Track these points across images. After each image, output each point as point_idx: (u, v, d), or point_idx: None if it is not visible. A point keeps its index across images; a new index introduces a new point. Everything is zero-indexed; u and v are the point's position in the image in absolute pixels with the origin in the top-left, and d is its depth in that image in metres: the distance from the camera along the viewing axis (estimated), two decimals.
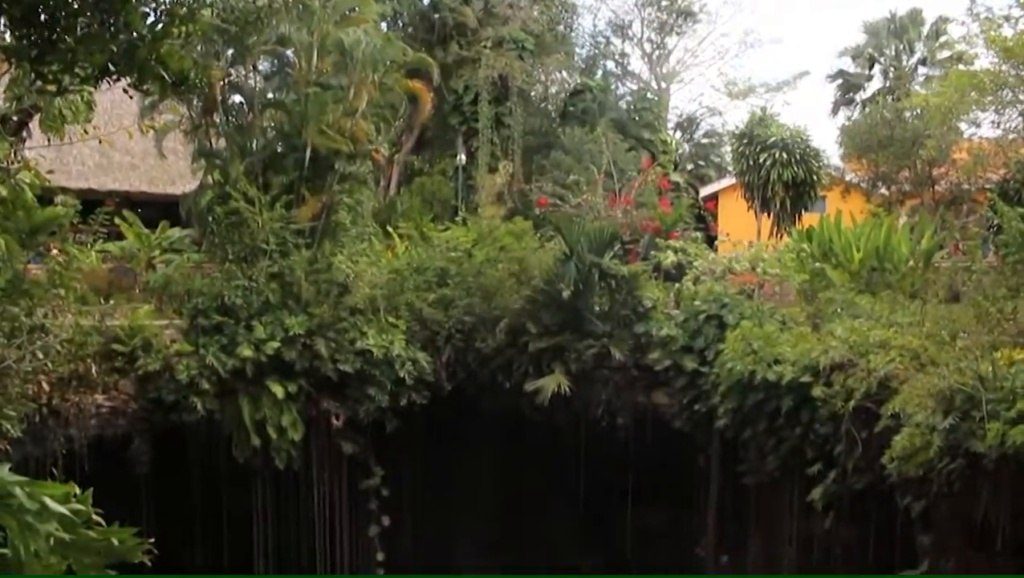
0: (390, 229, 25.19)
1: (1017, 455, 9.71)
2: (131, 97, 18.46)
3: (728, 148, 38.00)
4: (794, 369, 14.97)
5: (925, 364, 12.68)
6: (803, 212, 27.96)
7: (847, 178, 32.12)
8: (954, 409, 10.60)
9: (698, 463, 19.97)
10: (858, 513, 14.81)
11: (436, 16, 36.20)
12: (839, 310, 16.60)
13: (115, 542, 3.03)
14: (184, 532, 19.77)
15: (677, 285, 21.12)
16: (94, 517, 3.12)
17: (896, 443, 11.58)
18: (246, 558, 19.60)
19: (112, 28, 5.17)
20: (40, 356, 12.36)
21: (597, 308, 19.73)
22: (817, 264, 18.69)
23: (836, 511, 14.65)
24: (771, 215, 27.75)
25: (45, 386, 14.60)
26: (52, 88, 5.92)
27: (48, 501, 2.72)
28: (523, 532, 25.26)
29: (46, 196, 14.60)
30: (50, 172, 13.00)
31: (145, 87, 6.61)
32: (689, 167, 47.51)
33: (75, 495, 3.00)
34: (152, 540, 3.43)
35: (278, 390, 17.54)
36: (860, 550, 15.14)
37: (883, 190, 30.30)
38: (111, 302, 17.24)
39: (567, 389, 18.93)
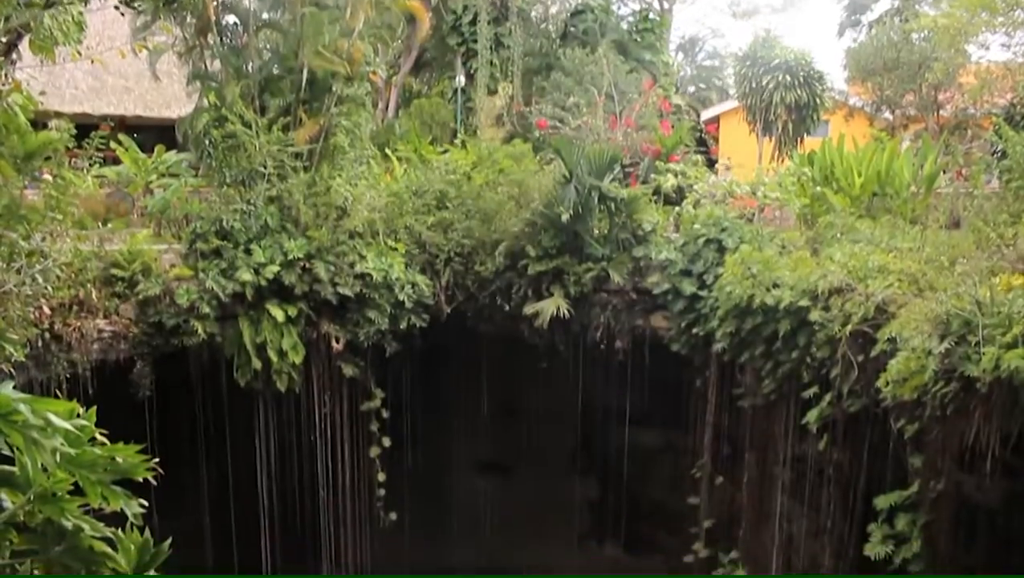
0: (388, 152, 24.97)
1: (1011, 379, 9.80)
2: (123, 15, 18.20)
3: (730, 70, 37.47)
4: (792, 293, 15.01)
5: (923, 289, 12.73)
6: (805, 136, 27.73)
7: (851, 102, 31.75)
8: (950, 334, 10.65)
9: (695, 386, 20.20)
10: (851, 436, 15.04)
11: None
12: (839, 235, 16.58)
13: (119, 459, 3.07)
14: (189, 454, 20.11)
15: (677, 209, 21.04)
16: (98, 436, 3.16)
17: (892, 367, 11.67)
18: (249, 478, 19.98)
19: None
20: (40, 280, 12.38)
21: (596, 231, 19.70)
22: (818, 188, 18.58)
23: (830, 433, 14.87)
24: (773, 139, 27.51)
25: (46, 310, 14.67)
26: (40, 1, 5.78)
27: (52, 417, 2.76)
28: (520, 452, 25.74)
29: (40, 121, 14.44)
30: (42, 93, 12.84)
31: (137, 4, 6.47)
32: (691, 89, 46.96)
33: (78, 414, 3.03)
34: (156, 460, 3.48)
35: (278, 314, 17.62)
36: (852, 471, 15.42)
37: (887, 114, 29.99)
38: (109, 226, 17.20)
39: (566, 312, 19.03)
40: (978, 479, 14.55)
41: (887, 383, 11.82)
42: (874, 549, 13.06)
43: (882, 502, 13.31)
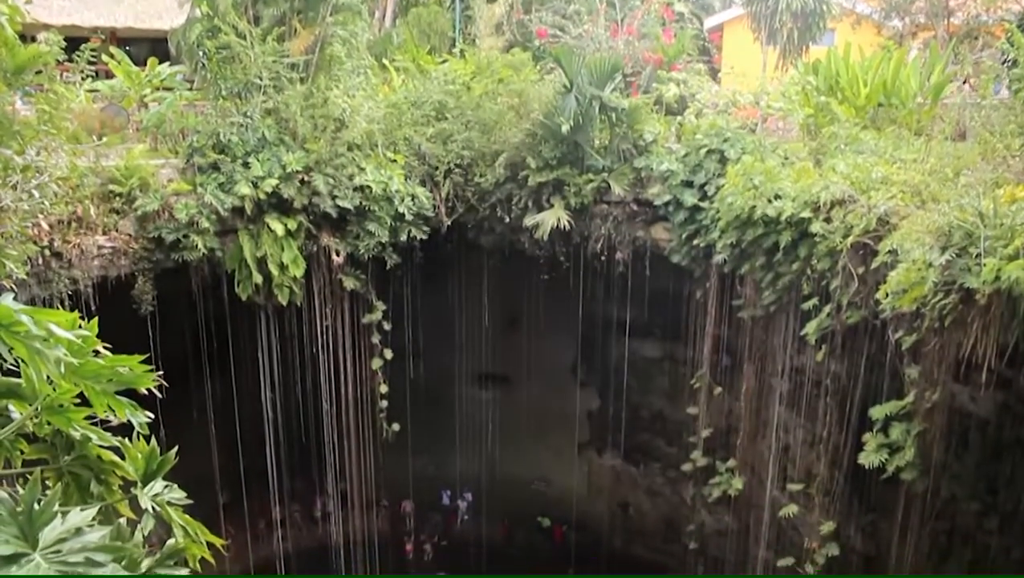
0: (386, 62, 24.50)
1: (1010, 291, 9.80)
2: None
3: None
4: (794, 204, 14.93)
5: (926, 201, 12.65)
6: (810, 45, 27.14)
7: (858, 9, 30.96)
8: (952, 245, 10.62)
9: (695, 297, 20.28)
10: (849, 347, 15.16)
11: None
12: (842, 146, 16.40)
13: (123, 370, 3.08)
14: (193, 368, 20.31)
15: (679, 119, 20.77)
16: (101, 349, 3.17)
17: (892, 278, 11.68)
18: (253, 391, 20.24)
19: None
20: (36, 196, 12.27)
21: (597, 142, 19.50)
22: (822, 98, 18.28)
23: (828, 345, 14.99)
24: (777, 48, 26.93)
25: (44, 226, 14.60)
26: None
27: (54, 327, 2.76)
28: (522, 364, 26.01)
29: (28, 34, 14.11)
30: (28, 2, 12.50)
31: None
32: None
33: (80, 325, 3.03)
34: (160, 373, 3.50)
35: (278, 227, 17.57)
36: (849, 382, 15.59)
37: (896, 22, 29.24)
38: (104, 141, 16.99)
39: (566, 224, 18.98)
40: (972, 390, 14.73)
41: (887, 295, 11.84)
42: (868, 458, 13.32)
43: (877, 412, 13.50)
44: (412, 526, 28.22)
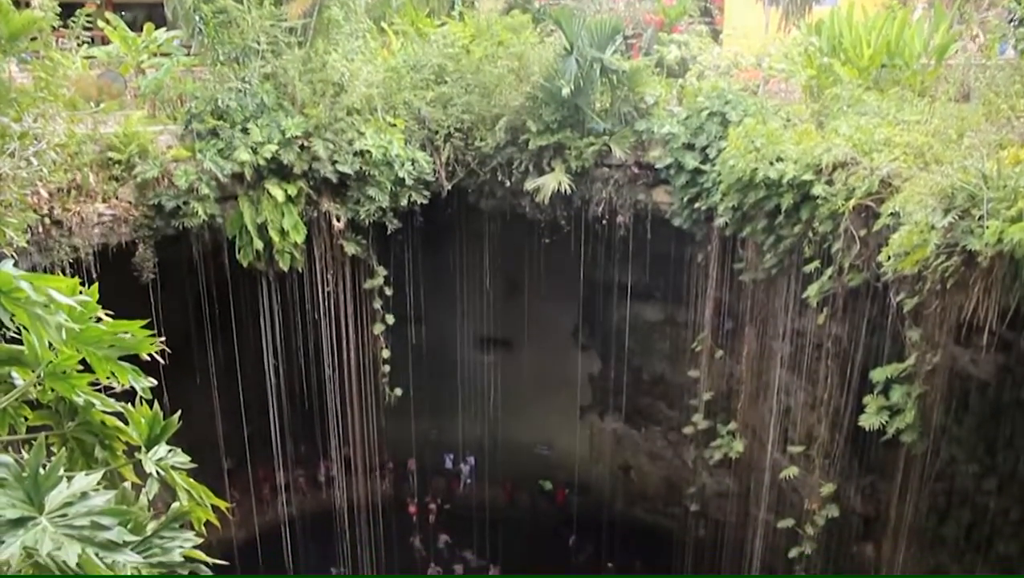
0: (384, 25, 24.25)
1: (1012, 253, 9.78)
2: None
3: None
4: (796, 167, 14.85)
5: (929, 163, 12.57)
6: (813, 5, 26.79)
7: None
8: (954, 207, 10.58)
9: (696, 261, 20.26)
10: (851, 310, 15.17)
11: None
12: (845, 107, 16.27)
13: (125, 336, 3.08)
14: (195, 335, 20.36)
15: (680, 81, 20.61)
16: (103, 316, 3.17)
17: (894, 241, 11.65)
18: (256, 358, 20.30)
19: None
20: (34, 163, 12.22)
21: (598, 105, 19.37)
22: (825, 59, 18.10)
23: (830, 308, 14.99)
24: (780, 8, 26.60)
25: (44, 194, 14.54)
26: None
27: (54, 293, 2.75)
28: (523, 327, 26.06)
29: (22, 0, 13.96)
30: None
31: None
32: None
33: (80, 291, 3.03)
34: (162, 339, 3.51)
35: (278, 193, 17.52)
36: (850, 345, 15.62)
37: None
38: (101, 107, 16.86)
39: (567, 187, 18.92)
40: (973, 353, 14.76)
41: (888, 257, 11.82)
42: (869, 420, 13.38)
43: (878, 375, 13.54)
44: (415, 487, 28.48)
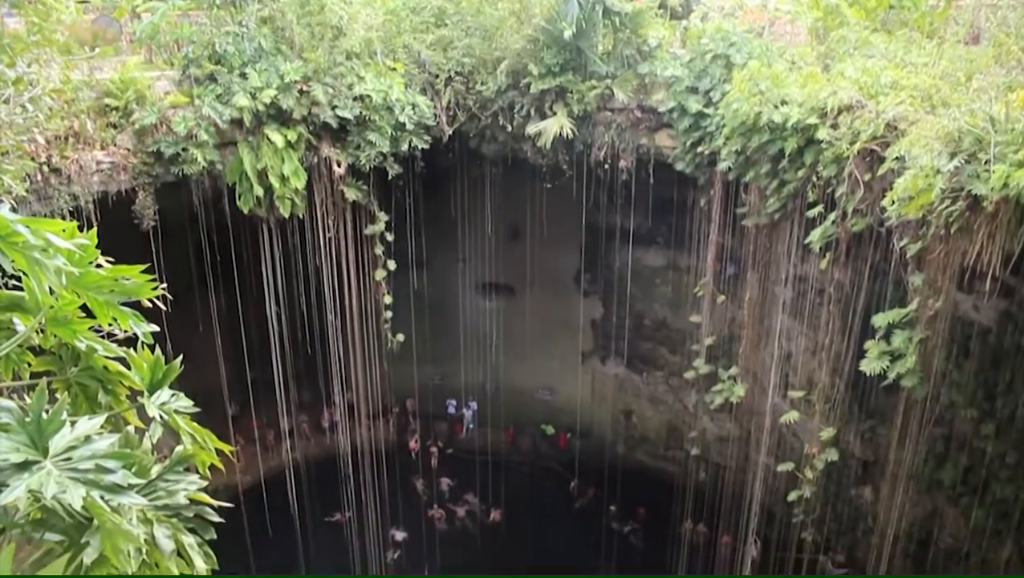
0: None
1: (1018, 198, 9.71)
2: None
3: None
4: (801, 110, 14.69)
5: (936, 106, 12.42)
6: None
7: None
8: (961, 151, 10.47)
9: (699, 205, 20.15)
10: (853, 255, 15.13)
11: None
12: (851, 49, 16.04)
13: (125, 281, 3.06)
14: (197, 282, 20.39)
15: (684, 23, 20.28)
16: (104, 262, 3.14)
17: (898, 185, 11.56)
18: (259, 304, 20.33)
19: None
20: (30, 109, 12.08)
21: (600, 48, 19.09)
22: (832, 0, 17.79)
23: (832, 253, 14.95)
24: None
25: (41, 141, 14.41)
26: None
27: (52, 237, 2.73)
28: (525, 273, 26.07)
29: None
30: None
31: None
32: None
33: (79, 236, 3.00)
34: (164, 285, 3.49)
35: (278, 139, 17.37)
36: (852, 290, 15.62)
37: None
38: (96, 52, 16.62)
39: (569, 131, 18.75)
40: (975, 298, 14.77)
41: (892, 202, 11.75)
42: (870, 365, 13.42)
43: (880, 320, 13.55)
44: (418, 431, 28.78)
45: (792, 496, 17.18)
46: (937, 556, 17.32)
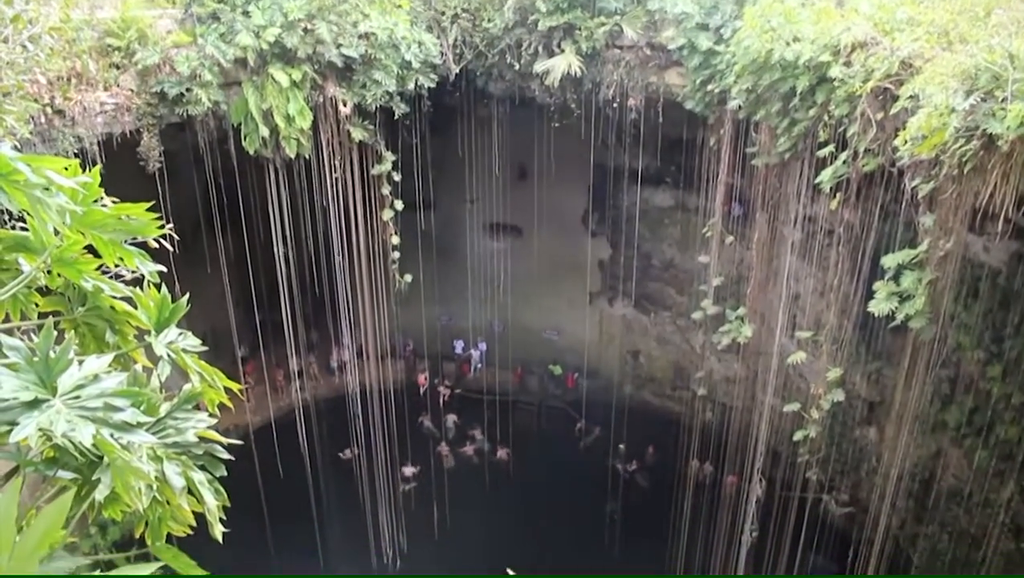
0: None
1: None
2: None
3: None
4: (813, 48, 14.40)
5: (953, 42, 12.16)
6: None
7: None
8: (977, 88, 10.26)
9: (708, 145, 19.94)
10: (864, 196, 14.99)
11: None
12: None
13: (130, 219, 3.04)
14: (205, 224, 20.34)
15: None
16: (108, 201, 3.12)
17: (912, 124, 11.37)
18: (266, 246, 20.32)
19: None
20: (30, 48, 11.92)
21: None
22: None
23: (843, 193, 14.81)
24: None
25: (43, 81, 14.26)
26: None
27: (53, 175, 2.70)
28: (533, 213, 25.97)
29: None
30: None
31: None
32: None
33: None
34: (171, 226, 3.46)
35: (282, 78, 17.17)
36: (862, 231, 15.52)
37: None
38: None
39: (577, 69, 18.49)
40: (986, 240, 14.69)
41: (905, 141, 11.57)
42: (878, 306, 13.36)
43: (889, 261, 13.46)
44: (427, 371, 29.02)
45: (797, 436, 17.31)
46: (939, 496, 17.51)
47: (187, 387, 2.97)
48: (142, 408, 2.66)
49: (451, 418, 27.95)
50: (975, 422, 16.33)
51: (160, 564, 2.71)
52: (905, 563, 18.45)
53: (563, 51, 18.64)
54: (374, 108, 18.57)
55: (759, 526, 19.21)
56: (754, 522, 19.08)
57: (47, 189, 2.69)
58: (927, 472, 17.95)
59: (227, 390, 3.21)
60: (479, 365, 30.18)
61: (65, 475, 2.67)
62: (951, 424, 16.94)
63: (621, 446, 26.05)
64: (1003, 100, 9.79)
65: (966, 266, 14.73)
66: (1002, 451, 15.63)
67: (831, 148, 14.60)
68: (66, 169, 2.82)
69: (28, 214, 2.82)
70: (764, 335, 20.62)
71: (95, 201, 2.94)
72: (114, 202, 3.15)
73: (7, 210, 3.02)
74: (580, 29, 18.54)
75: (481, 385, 28.92)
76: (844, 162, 14.28)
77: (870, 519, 17.47)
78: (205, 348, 3.12)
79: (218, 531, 2.97)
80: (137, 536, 3.01)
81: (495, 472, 26.07)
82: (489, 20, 19.15)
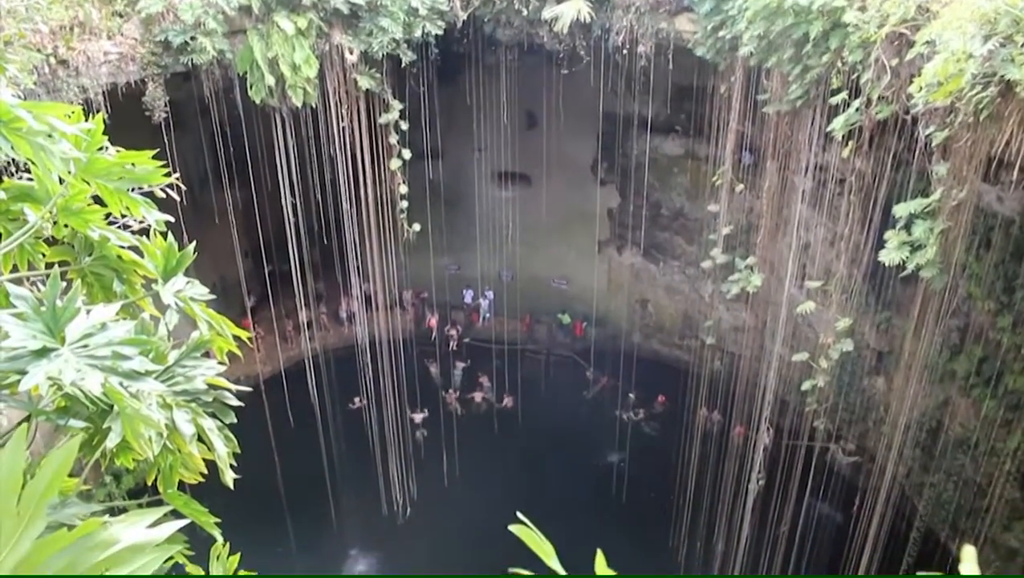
0: None
1: None
2: None
3: None
4: None
5: None
6: None
7: None
8: (996, 34, 10.05)
9: (719, 92, 19.69)
10: (877, 144, 14.82)
11: None
12: None
13: (135, 168, 3.01)
14: (212, 174, 20.29)
15: None
16: (111, 147, 3.09)
17: (927, 70, 11.18)
18: (274, 196, 20.26)
19: None
20: None
21: None
22: None
23: (855, 141, 14.63)
24: None
25: (45, 30, 14.10)
26: None
27: (55, 121, 2.66)
28: (541, 162, 25.80)
29: None
30: None
31: None
32: None
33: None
34: (177, 175, 3.43)
35: (287, 26, 16.96)
36: (874, 180, 15.38)
37: None
38: None
39: (586, 15, 18.19)
40: (1000, 189, 14.51)
41: (920, 88, 11.39)
42: (889, 255, 13.28)
43: (901, 210, 13.35)
44: (435, 320, 29.15)
45: (806, 385, 17.35)
46: (946, 445, 17.59)
47: (195, 334, 2.96)
48: (150, 356, 2.66)
49: (460, 366, 28.12)
50: (984, 372, 16.33)
51: (169, 508, 2.73)
52: (911, 512, 18.60)
53: None
54: (381, 56, 18.35)
55: (766, 474, 19.35)
56: (761, 470, 19.23)
57: (49, 136, 2.66)
58: (934, 421, 18.01)
59: (236, 339, 3.20)
60: (487, 314, 30.26)
61: (77, 424, 2.68)
62: (960, 374, 16.94)
63: (631, 395, 26.19)
64: (1022, 45, 9.60)
65: (979, 216, 14.59)
66: (1010, 401, 15.65)
67: (844, 95, 14.39)
68: (69, 116, 2.78)
69: (32, 163, 2.79)
70: (773, 284, 20.56)
71: (99, 149, 2.90)
72: (119, 152, 3.12)
73: (13, 160, 2.99)
74: None
75: (490, 334, 29.03)
76: (857, 110, 14.09)
77: (876, 468, 17.58)
78: (213, 296, 3.11)
79: (229, 478, 2.98)
80: (149, 484, 3.03)
81: (503, 420, 26.28)
82: None
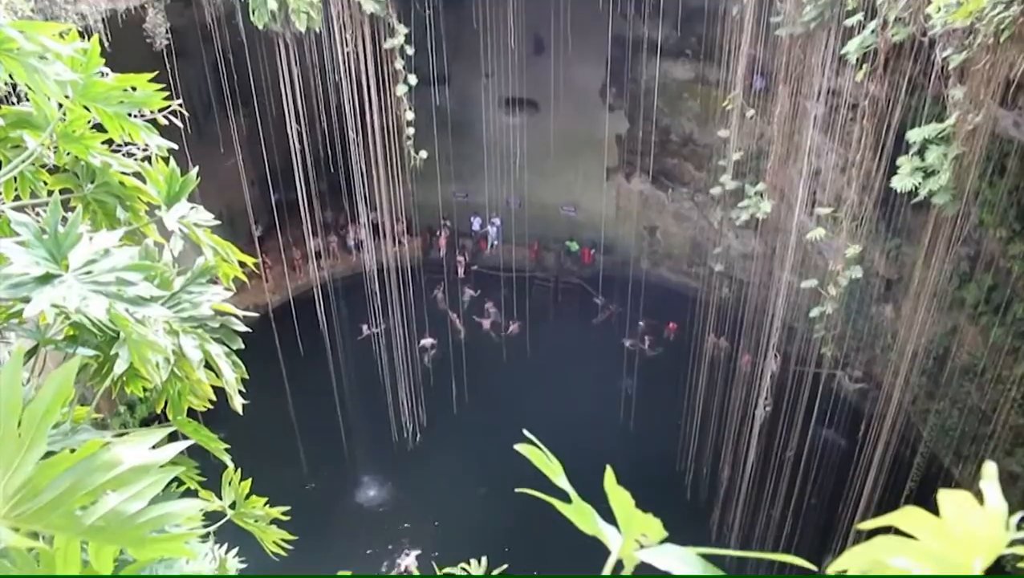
0: None
1: None
2: None
3: None
4: None
5: None
6: None
7: None
8: None
9: (730, 14, 19.27)
10: (892, 68, 14.52)
11: None
12: None
13: (135, 91, 2.95)
14: (216, 103, 20.04)
15: None
16: (110, 73, 3.02)
17: None
18: (279, 124, 20.05)
19: None
20: None
21: None
22: None
23: (870, 65, 14.34)
24: None
25: None
26: None
27: (47, 40, 2.59)
28: (549, 87, 25.44)
29: None
30: None
31: None
32: None
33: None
34: (180, 102, 3.37)
35: None
36: (887, 105, 15.10)
37: None
38: None
39: None
40: (1017, 114, 14.23)
41: (939, 9, 11.13)
42: (901, 181, 13.14)
43: (915, 135, 13.15)
44: (443, 246, 29.14)
45: (814, 312, 17.34)
46: (952, 372, 17.64)
47: (200, 260, 2.93)
48: (155, 282, 2.63)
49: (468, 293, 28.19)
50: (993, 300, 16.27)
51: (169, 430, 2.74)
52: (915, 438, 18.76)
53: None
54: None
55: (773, 401, 19.49)
56: (768, 397, 19.36)
57: (43, 57, 2.59)
58: (942, 349, 18.03)
59: (244, 267, 3.18)
60: (495, 241, 30.21)
61: (86, 352, 2.67)
62: (969, 301, 16.89)
63: (641, 324, 26.25)
64: None
65: (994, 141, 14.34)
66: (1018, 329, 15.63)
67: (859, 17, 14.07)
68: (63, 36, 2.71)
69: (29, 88, 2.73)
70: (783, 211, 20.39)
71: (97, 72, 2.84)
72: (118, 77, 3.05)
73: (14, 88, 2.93)
74: None
75: (497, 261, 29.02)
76: (872, 32, 13.78)
77: (883, 395, 17.68)
78: (218, 222, 3.07)
79: (238, 403, 2.99)
80: (159, 411, 3.04)
81: (511, 347, 26.42)
82: None
